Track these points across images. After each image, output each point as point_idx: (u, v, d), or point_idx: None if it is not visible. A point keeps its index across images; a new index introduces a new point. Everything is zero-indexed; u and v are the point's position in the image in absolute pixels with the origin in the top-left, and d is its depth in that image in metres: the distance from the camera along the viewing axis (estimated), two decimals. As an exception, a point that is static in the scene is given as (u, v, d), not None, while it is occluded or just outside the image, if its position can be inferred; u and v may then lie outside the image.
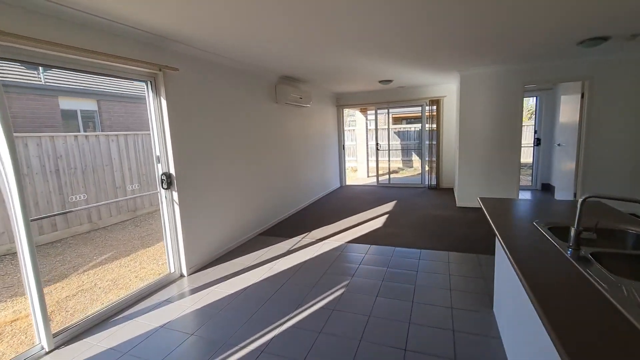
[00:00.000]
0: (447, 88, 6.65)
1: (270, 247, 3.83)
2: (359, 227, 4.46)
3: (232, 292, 2.76)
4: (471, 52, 3.80)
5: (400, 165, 12.51)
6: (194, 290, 2.83)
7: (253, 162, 4.25)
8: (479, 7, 2.41)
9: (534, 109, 6.97)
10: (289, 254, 3.59)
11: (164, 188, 2.94)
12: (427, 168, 7.27)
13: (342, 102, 7.56)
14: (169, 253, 3.06)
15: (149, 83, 2.82)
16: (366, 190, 7.25)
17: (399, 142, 12.71)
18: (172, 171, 2.96)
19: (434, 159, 6.89)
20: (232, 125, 3.80)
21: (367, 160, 10.33)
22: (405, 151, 12.75)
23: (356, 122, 11.71)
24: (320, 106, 6.63)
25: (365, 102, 7.36)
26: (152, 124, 2.87)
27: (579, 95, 4.60)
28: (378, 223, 4.60)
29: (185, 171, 3.08)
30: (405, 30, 2.91)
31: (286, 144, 5.21)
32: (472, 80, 4.94)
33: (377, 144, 7.59)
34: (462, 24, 2.79)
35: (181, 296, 2.75)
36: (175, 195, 3.00)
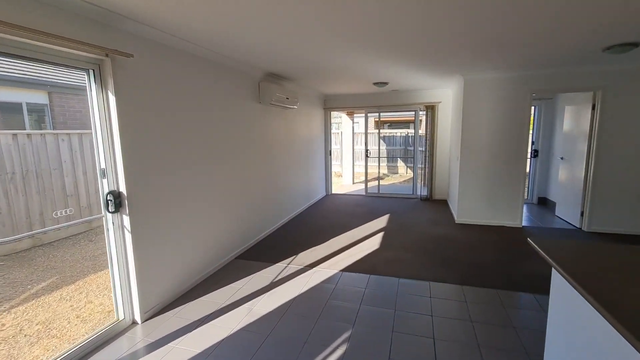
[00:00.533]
0: (443, 93, 6.24)
1: (250, 276, 3.18)
2: (353, 248, 3.89)
3: (200, 351, 2.10)
4: (480, 55, 3.33)
5: (386, 171, 12.13)
6: (150, 348, 2.14)
7: (230, 172, 3.58)
8: (503, 7, 1.91)
9: (532, 119, 6.71)
10: (273, 287, 2.96)
11: (110, 211, 2.23)
12: (419, 177, 6.84)
13: (330, 104, 7.00)
14: (116, 295, 2.35)
15: (91, 72, 2.11)
16: (355, 200, 6.71)
17: (384, 147, 12.33)
18: (123, 188, 2.26)
19: (427, 168, 6.46)
20: (204, 128, 3.12)
21: (353, 165, 9.83)
22: (391, 157, 12.38)
23: (342, 125, 11.21)
24: (307, 108, 6.03)
25: (355, 105, 6.83)
26: (96, 126, 2.17)
27: (589, 106, 4.27)
28: (374, 243, 4.05)
29: (140, 188, 2.39)
30: (409, 26, 2.39)
31: (270, 150, 4.56)
32: (477, 86, 4.51)
33: (366, 150, 7.07)
34: (476, 23, 2.29)
35: (131, 358, 2.06)
36: (126, 219, 2.30)
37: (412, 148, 11.93)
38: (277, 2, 1.96)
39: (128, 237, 2.32)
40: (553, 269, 1.63)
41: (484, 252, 3.71)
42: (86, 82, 2.13)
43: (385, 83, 5.14)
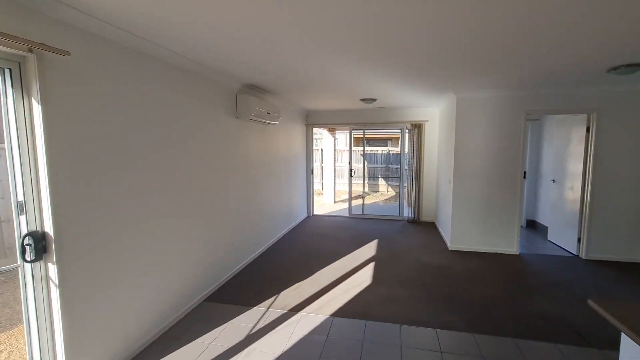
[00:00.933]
0: (430, 112, 6.05)
1: (222, 326, 2.61)
2: (342, 284, 3.42)
3: None
4: (480, 69, 3.07)
5: (367, 189, 11.85)
6: None
7: (201, 198, 3.04)
8: (507, 24, 1.61)
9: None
10: (251, 341, 2.41)
11: (28, 260, 1.64)
12: (405, 198, 6.53)
13: (313, 120, 6.62)
14: (34, 373, 1.73)
15: (6, 72, 1.57)
16: (339, 222, 6.27)
17: (365, 165, 12.08)
18: (49, 228, 1.69)
19: (414, 188, 6.16)
20: (167, 148, 2.59)
21: (334, 183, 9.45)
22: (372, 175, 12.14)
23: (322, 141, 10.88)
24: (289, 124, 5.61)
25: (339, 121, 6.50)
26: (12, 144, 1.61)
27: (582, 128, 4.14)
28: (365, 277, 3.60)
29: (74, 226, 1.82)
30: (403, 42, 2.09)
31: (248, 171, 4.06)
32: (470, 105, 4.28)
33: (350, 169, 6.71)
34: (478, 36, 1.99)
35: None
36: (52, 269, 1.71)
37: (394, 166, 11.79)
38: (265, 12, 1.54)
39: (55, 292, 1.73)
40: (624, 334, 1.27)
41: (486, 286, 3.35)
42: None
43: (374, 100, 4.84)
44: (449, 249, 4.56)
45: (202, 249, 3.06)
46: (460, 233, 4.50)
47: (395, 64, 2.86)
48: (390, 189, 11.86)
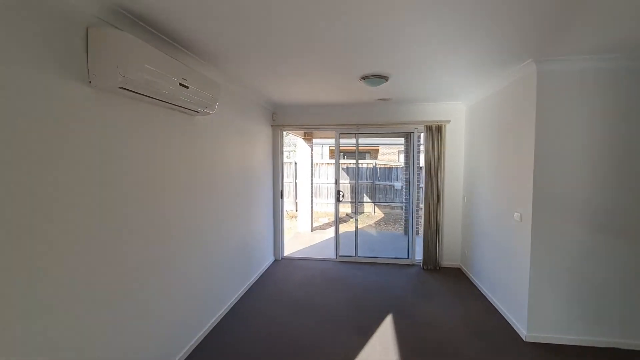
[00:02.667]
0: (453, 109, 4.18)
1: None
2: None
3: None
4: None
5: (349, 211, 9.85)
6: None
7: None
8: None
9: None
10: None
11: None
12: (413, 230, 4.54)
13: (283, 119, 4.54)
14: None
15: None
16: (322, 272, 4.15)
17: (347, 181, 10.12)
18: None
19: (431, 217, 4.20)
20: None
21: (312, 205, 7.35)
22: (354, 193, 10.16)
23: (296, 152, 8.81)
24: (244, 121, 3.49)
25: (322, 122, 4.47)
26: None
27: None
28: None
29: None
30: None
31: (154, 197, 1.90)
32: (565, 80, 2.40)
33: (338, 192, 4.64)
34: None
35: None
36: None
37: (381, 183, 9.90)
38: None
39: None
40: None
41: None
42: None
43: (383, 79, 2.85)
44: (526, 339, 2.57)
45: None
46: (545, 313, 2.54)
47: None
48: (377, 209, 9.94)
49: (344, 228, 7.04)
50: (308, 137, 7.11)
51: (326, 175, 10.08)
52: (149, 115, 1.99)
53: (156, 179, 2.05)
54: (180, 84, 1.91)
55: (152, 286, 2.02)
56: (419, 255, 4.43)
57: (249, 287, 3.62)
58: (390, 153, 15.54)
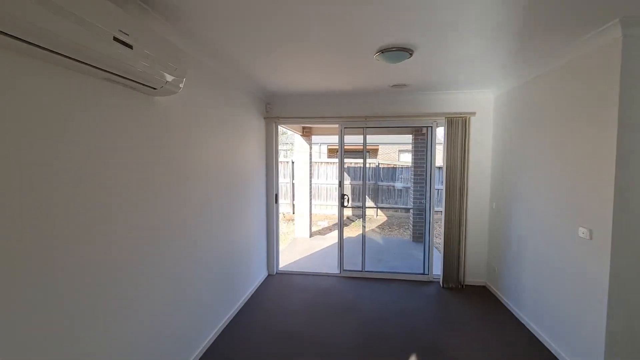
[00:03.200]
0: (477, 99, 3.55)
1: None
2: None
3: None
4: None
5: (350, 214, 9.19)
6: None
7: None
8: None
9: None
10: None
11: None
12: (431, 240, 3.90)
13: (278, 110, 3.89)
14: None
15: None
16: (323, 291, 3.49)
17: (348, 182, 9.45)
18: None
19: (452, 226, 3.56)
20: None
21: (311, 208, 6.69)
22: (357, 195, 9.51)
23: (293, 151, 8.14)
24: (228, 110, 2.82)
25: (323, 114, 3.81)
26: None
27: None
28: None
29: None
30: None
31: (97, 211, 1.21)
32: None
33: (342, 196, 3.98)
34: None
35: None
36: None
37: (384, 183, 9.24)
38: None
39: None
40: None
41: None
42: None
43: (408, 52, 2.19)
44: (601, 397, 1.93)
45: None
46: (629, 353, 1.90)
47: None
48: (380, 212, 9.30)
49: (345, 233, 6.35)
50: (307, 133, 6.46)
51: (325, 176, 9.44)
52: (78, 91, 1.33)
53: (89, 188, 1.38)
54: (117, 40, 1.24)
55: (85, 337, 1.36)
56: (437, 269, 3.79)
57: (235, 312, 2.96)
58: (390, 152, 14.91)
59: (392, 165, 9.32)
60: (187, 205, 2.19)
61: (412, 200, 6.24)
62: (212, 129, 2.54)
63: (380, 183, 9.25)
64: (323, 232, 7.25)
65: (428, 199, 3.88)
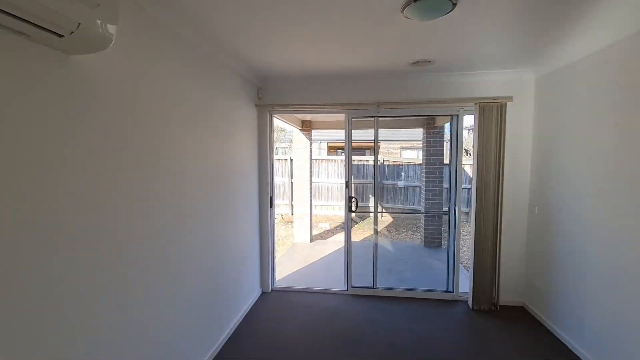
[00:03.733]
0: (513, 81, 2.92)
1: None
2: None
3: None
4: None
5: (353, 215, 8.57)
6: None
7: None
8: None
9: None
10: None
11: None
12: (457, 251, 3.27)
13: (272, 97, 3.25)
14: None
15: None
16: (328, 317, 2.85)
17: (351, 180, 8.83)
18: None
19: (482, 233, 2.94)
20: None
21: (311, 210, 6.07)
22: (360, 195, 8.87)
23: (291, 148, 7.50)
24: (206, 93, 2.17)
25: (326, 101, 3.17)
26: None
27: None
28: None
29: None
30: None
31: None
32: None
33: (350, 198, 3.35)
34: None
35: None
36: None
37: (389, 182, 8.61)
38: None
39: None
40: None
41: None
42: None
43: (452, 0, 1.56)
44: None
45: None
46: None
47: None
48: (384, 214, 8.68)
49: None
50: (306, 127, 5.83)
51: (326, 174, 8.81)
52: None
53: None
54: None
55: None
56: (464, 286, 3.18)
57: (220, 346, 2.33)
58: (392, 149, 14.27)
59: (397, 163, 8.69)
60: (157, 214, 1.56)
61: (423, 200, 5.62)
62: (191, 118, 1.91)
63: (384, 182, 8.63)
64: (324, 235, 6.64)
65: (453, 201, 3.25)
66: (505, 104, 2.86)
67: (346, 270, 3.34)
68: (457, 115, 3.10)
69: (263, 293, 3.33)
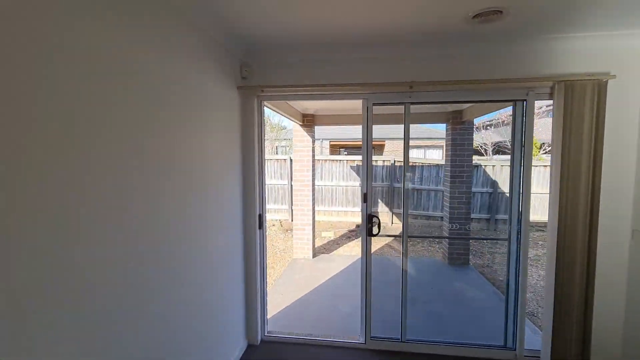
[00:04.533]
0: (618, 51, 1.98)
1: None
2: None
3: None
4: None
5: (358, 220, 7.68)
6: None
7: None
8: None
9: None
10: None
11: None
12: (522, 288, 2.34)
13: (263, 75, 2.32)
14: None
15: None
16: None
17: (357, 183, 7.88)
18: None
19: (571, 265, 2.01)
20: None
21: (314, 216, 5.16)
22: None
23: (291, 146, 6.58)
24: (155, 62, 1.24)
25: (339, 80, 2.24)
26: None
27: None
28: None
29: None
30: None
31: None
32: None
33: (369, 217, 2.41)
34: None
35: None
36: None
37: (400, 185, 7.68)
38: None
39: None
40: None
41: None
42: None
43: None
44: None
45: None
46: None
47: None
48: (395, 219, 7.75)
49: (351, 250, 4.62)
50: (308, 122, 4.91)
51: (330, 176, 7.89)
52: None
53: None
54: None
55: None
56: (532, 340, 2.25)
57: None
58: (399, 149, 13.29)
59: (411, 164, 7.75)
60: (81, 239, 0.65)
61: (447, 207, 4.71)
62: (134, 95, 0.99)
63: (396, 185, 7.68)
64: (328, 247, 5.74)
65: (515, 222, 2.31)
66: (606, 82, 1.93)
67: (364, 317, 2.41)
68: (525, 101, 2.17)
69: (250, 346, 2.41)
